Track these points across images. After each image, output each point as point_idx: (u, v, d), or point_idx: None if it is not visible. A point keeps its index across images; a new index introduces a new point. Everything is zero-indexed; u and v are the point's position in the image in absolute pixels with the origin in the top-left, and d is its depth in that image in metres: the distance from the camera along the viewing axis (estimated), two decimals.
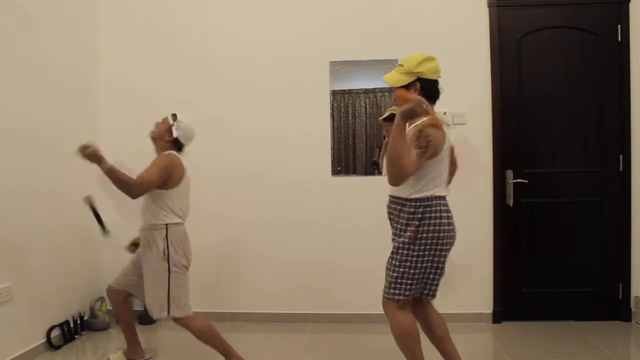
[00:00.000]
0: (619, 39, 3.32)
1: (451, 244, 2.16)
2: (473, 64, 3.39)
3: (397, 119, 1.93)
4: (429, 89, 2.15)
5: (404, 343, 2.17)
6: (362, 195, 3.48)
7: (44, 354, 2.98)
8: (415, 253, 2.09)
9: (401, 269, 2.11)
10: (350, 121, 3.51)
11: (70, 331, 3.19)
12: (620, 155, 3.35)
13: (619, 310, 3.39)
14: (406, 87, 2.14)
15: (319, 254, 3.53)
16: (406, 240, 2.09)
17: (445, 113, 3.38)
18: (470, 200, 3.40)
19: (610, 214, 3.37)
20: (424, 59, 2.14)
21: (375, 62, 3.47)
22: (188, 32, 3.58)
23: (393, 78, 2.18)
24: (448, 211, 2.14)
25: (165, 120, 2.69)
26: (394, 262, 2.15)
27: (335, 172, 3.53)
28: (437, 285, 2.19)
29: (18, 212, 2.84)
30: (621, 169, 3.36)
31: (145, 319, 3.55)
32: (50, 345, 3.03)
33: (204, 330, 2.65)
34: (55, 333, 3.08)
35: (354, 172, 3.52)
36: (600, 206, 3.38)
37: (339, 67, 3.49)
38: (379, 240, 3.47)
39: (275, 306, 3.57)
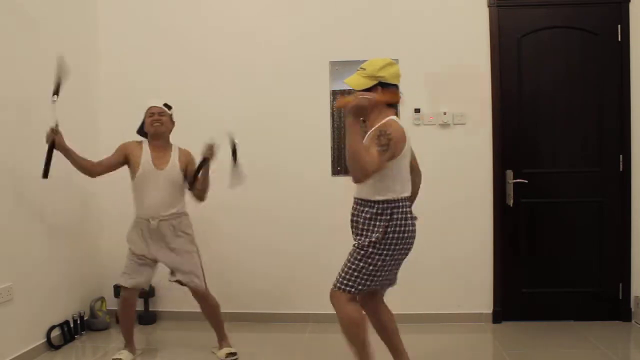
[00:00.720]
0: (619, 39, 3.32)
1: (412, 245, 2.23)
2: (473, 64, 3.39)
3: (347, 117, 2.02)
4: (391, 92, 2.20)
5: (352, 332, 2.21)
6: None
7: (44, 354, 2.98)
8: (379, 252, 2.14)
9: (361, 264, 2.15)
10: None
11: (70, 331, 3.19)
12: (620, 155, 3.35)
13: (619, 310, 3.39)
14: (367, 90, 2.16)
15: (319, 254, 3.52)
16: (373, 239, 2.13)
17: (445, 113, 3.39)
18: (470, 200, 3.40)
19: (610, 214, 3.37)
20: (386, 63, 2.18)
21: None
22: (188, 32, 3.58)
23: (355, 81, 2.21)
24: (411, 212, 2.22)
25: (165, 113, 2.85)
26: (355, 255, 2.18)
27: (335, 172, 3.53)
28: (389, 282, 2.30)
29: (18, 212, 2.84)
30: (621, 169, 3.36)
31: (146, 319, 3.56)
32: (50, 345, 3.03)
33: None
34: (55, 333, 3.08)
35: None
36: (600, 206, 3.38)
37: (339, 67, 3.49)
38: None
39: (275, 306, 3.58)
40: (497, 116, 3.39)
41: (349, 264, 2.19)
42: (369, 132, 2.17)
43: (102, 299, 3.51)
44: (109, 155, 2.80)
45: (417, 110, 3.43)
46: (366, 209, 2.19)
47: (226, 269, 3.52)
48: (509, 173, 3.37)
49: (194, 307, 3.60)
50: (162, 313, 3.64)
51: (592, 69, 3.35)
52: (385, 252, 2.14)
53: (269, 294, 3.58)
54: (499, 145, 3.39)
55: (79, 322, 3.28)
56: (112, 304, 3.59)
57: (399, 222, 2.14)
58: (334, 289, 2.22)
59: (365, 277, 2.15)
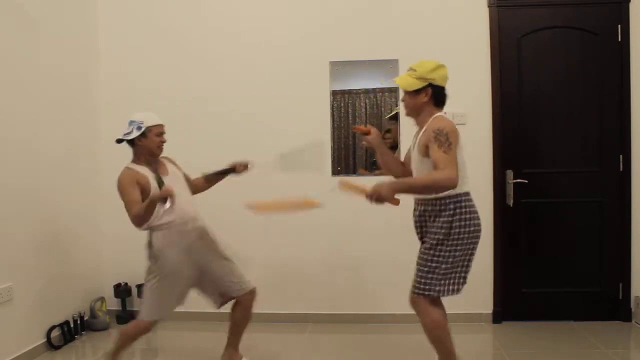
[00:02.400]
0: (619, 39, 3.32)
1: (479, 239, 2.21)
2: (473, 64, 3.39)
3: (384, 195, 2.03)
4: (439, 95, 2.22)
5: (436, 335, 2.22)
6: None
7: (44, 354, 2.98)
8: (448, 249, 2.14)
9: (433, 264, 2.16)
10: (350, 121, 3.51)
11: (70, 331, 3.19)
12: (620, 155, 3.35)
13: (619, 310, 3.39)
14: (417, 91, 2.19)
15: (319, 253, 3.53)
16: (440, 237, 2.14)
17: (445, 113, 3.37)
18: None
19: (610, 214, 3.37)
20: (437, 66, 2.20)
21: (375, 62, 3.47)
22: (188, 32, 3.58)
23: (405, 82, 2.21)
24: (475, 206, 2.21)
25: None
26: (425, 257, 2.19)
27: (335, 172, 3.53)
28: (464, 279, 2.22)
29: (18, 212, 2.84)
30: (621, 169, 3.35)
31: None
32: (50, 345, 3.03)
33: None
34: (55, 333, 3.08)
35: (354, 172, 3.53)
36: (600, 206, 3.38)
37: (339, 67, 3.49)
38: (379, 240, 3.48)
39: (275, 306, 3.57)
40: (497, 116, 3.38)
41: (421, 268, 2.19)
42: (420, 133, 2.21)
43: (102, 299, 3.51)
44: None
45: None
46: (429, 207, 2.20)
47: None
48: (509, 173, 3.37)
49: (194, 307, 3.61)
50: None
51: (592, 69, 3.35)
52: (454, 247, 2.14)
53: (269, 293, 3.57)
54: (499, 145, 3.39)
55: (79, 322, 3.28)
56: (112, 304, 3.60)
57: (463, 217, 2.13)
58: (413, 296, 2.21)
59: (441, 276, 2.15)
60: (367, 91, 3.50)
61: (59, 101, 3.23)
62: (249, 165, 2.72)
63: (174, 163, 2.69)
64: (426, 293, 2.16)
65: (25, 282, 2.86)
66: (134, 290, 3.59)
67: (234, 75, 3.55)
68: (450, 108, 3.36)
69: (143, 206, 2.27)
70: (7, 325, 2.72)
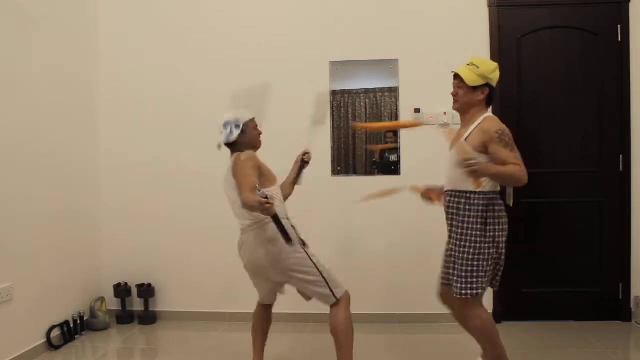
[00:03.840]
0: (619, 39, 3.32)
1: (505, 239, 2.25)
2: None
3: (475, 175, 2.09)
4: (492, 96, 2.28)
5: (487, 335, 2.23)
6: (362, 195, 3.48)
7: (44, 354, 2.98)
8: (486, 245, 2.16)
9: (475, 262, 2.16)
10: (350, 121, 3.51)
11: (70, 331, 3.19)
12: (620, 155, 3.35)
13: (619, 310, 3.39)
14: (474, 88, 2.21)
15: (319, 253, 3.52)
16: (477, 233, 2.16)
17: (445, 113, 3.39)
18: None
19: (610, 214, 3.37)
20: (496, 67, 2.26)
21: (375, 62, 3.47)
22: (188, 32, 3.58)
23: (469, 77, 2.21)
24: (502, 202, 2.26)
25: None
26: (465, 256, 2.18)
27: (335, 172, 3.53)
28: (500, 275, 2.28)
29: (18, 212, 2.84)
30: (621, 169, 3.36)
31: (145, 319, 3.55)
32: (50, 345, 3.03)
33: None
34: (55, 333, 3.08)
35: (354, 172, 3.52)
36: (600, 206, 3.38)
37: (339, 67, 3.49)
38: (379, 240, 3.48)
39: (275, 306, 3.57)
40: (497, 116, 3.36)
41: (462, 268, 2.18)
42: (468, 130, 2.20)
43: (102, 299, 3.51)
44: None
45: (417, 110, 3.43)
46: (468, 200, 2.20)
47: (225, 268, 3.52)
48: None
49: (194, 307, 3.63)
50: (162, 313, 3.64)
51: (592, 69, 3.35)
52: (490, 244, 2.17)
53: None
54: None
55: (79, 322, 3.28)
56: (112, 304, 3.60)
57: (496, 214, 2.18)
58: (460, 298, 2.20)
59: (483, 274, 2.17)
60: (367, 91, 3.50)
61: (58, 102, 3.23)
62: (308, 152, 2.76)
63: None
64: (474, 292, 2.16)
65: (25, 282, 2.86)
66: (134, 290, 3.60)
67: (234, 75, 3.54)
68: (450, 108, 3.39)
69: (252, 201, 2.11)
70: (7, 325, 2.72)
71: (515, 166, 2.09)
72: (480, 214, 2.17)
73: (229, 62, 3.55)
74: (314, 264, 2.44)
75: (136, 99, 3.62)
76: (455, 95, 2.29)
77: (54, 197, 3.14)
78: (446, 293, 2.40)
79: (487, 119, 2.20)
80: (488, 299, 3.45)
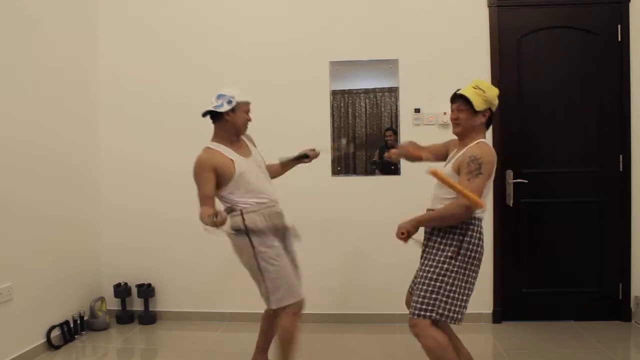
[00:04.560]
0: (619, 39, 3.32)
1: (479, 269, 2.17)
2: (473, 64, 3.39)
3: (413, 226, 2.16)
4: (491, 120, 2.24)
5: (441, 356, 2.11)
6: (362, 195, 3.49)
7: (44, 354, 2.98)
8: (455, 269, 2.08)
9: (438, 283, 2.08)
10: (350, 121, 3.51)
11: (70, 331, 3.19)
12: (620, 155, 3.35)
13: (619, 310, 3.39)
14: (476, 112, 2.15)
15: (318, 253, 3.52)
16: (448, 254, 2.09)
17: (445, 113, 3.39)
18: None
19: (610, 214, 3.37)
20: (497, 92, 2.21)
21: (375, 62, 3.47)
22: (188, 32, 3.58)
23: (477, 101, 2.13)
24: (482, 232, 2.18)
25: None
26: (430, 275, 2.10)
27: (335, 172, 3.53)
28: (464, 308, 2.12)
29: (18, 213, 2.84)
30: (621, 169, 3.35)
31: (146, 319, 3.56)
32: (50, 345, 3.03)
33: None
34: (55, 333, 3.08)
35: (354, 172, 3.52)
36: (600, 206, 3.38)
37: (339, 67, 3.49)
38: (379, 240, 3.48)
39: None
40: (497, 116, 3.37)
41: (424, 287, 2.09)
42: (459, 152, 2.17)
43: (102, 299, 3.51)
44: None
45: (417, 110, 3.43)
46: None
47: (225, 269, 3.52)
48: (509, 173, 3.37)
49: (194, 307, 3.63)
50: (162, 313, 3.64)
51: (592, 69, 3.35)
52: (461, 269, 2.08)
53: None
54: (499, 145, 3.39)
55: (79, 322, 3.28)
56: (112, 304, 3.60)
57: (473, 241, 2.10)
58: (414, 318, 2.11)
59: (445, 297, 2.06)
60: (367, 91, 3.50)
61: (58, 102, 3.23)
62: (319, 152, 2.71)
63: (252, 142, 2.61)
64: (427, 314, 2.07)
65: (25, 282, 2.86)
66: (134, 290, 3.60)
67: (234, 75, 3.54)
68: (449, 108, 3.39)
69: (203, 217, 2.18)
70: (7, 325, 2.72)
71: (455, 202, 2.04)
72: (456, 236, 2.10)
73: (229, 62, 3.55)
74: (258, 267, 2.34)
75: (136, 99, 3.62)
76: (456, 119, 2.20)
77: (54, 198, 3.14)
78: (409, 301, 2.33)
79: (477, 145, 2.12)
80: (488, 299, 3.46)
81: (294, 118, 3.52)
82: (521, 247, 3.44)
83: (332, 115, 3.51)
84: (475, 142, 2.14)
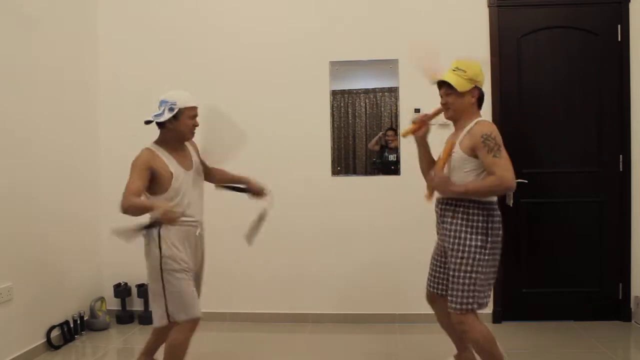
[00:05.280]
0: (619, 39, 3.32)
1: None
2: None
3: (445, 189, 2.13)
4: (482, 97, 2.23)
5: (487, 349, 2.15)
6: (362, 195, 3.49)
7: (44, 354, 2.98)
8: (486, 257, 2.12)
9: (474, 275, 2.11)
10: (350, 121, 3.51)
11: (70, 331, 3.19)
12: (620, 155, 3.35)
13: (619, 310, 3.39)
14: (463, 93, 2.16)
15: (319, 253, 3.53)
16: (478, 244, 2.11)
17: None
18: None
19: (610, 214, 3.37)
20: (481, 67, 2.19)
21: (375, 62, 3.47)
22: (188, 32, 3.57)
23: (458, 83, 2.14)
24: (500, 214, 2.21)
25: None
26: (465, 268, 2.11)
27: (335, 172, 3.53)
28: (491, 290, 2.22)
29: (18, 213, 2.84)
30: (621, 169, 3.35)
31: (145, 319, 3.55)
32: (50, 345, 3.03)
33: None
34: (55, 333, 3.08)
35: (354, 172, 3.52)
36: (600, 206, 3.38)
37: (339, 67, 3.49)
38: (379, 240, 3.48)
39: (275, 306, 3.57)
40: (497, 116, 3.38)
41: (463, 280, 2.11)
42: (460, 136, 2.16)
43: (102, 299, 3.51)
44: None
45: (417, 110, 3.42)
46: (469, 210, 2.14)
47: (226, 269, 3.52)
48: None
49: None
50: None
51: (592, 69, 3.35)
52: (490, 257, 2.13)
53: (269, 293, 3.58)
54: None
55: (79, 322, 3.28)
56: (112, 304, 3.60)
57: (495, 226, 2.14)
58: (459, 312, 2.12)
59: (482, 287, 2.11)
60: (367, 91, 3.50)
61: (58, 102, 3.23)
62: (265, 192, 2.57)
63: (197, 150, 2.48)
64: (470, 307, 2.10)
65: (25, 282, 2.86)
66: (134, 290, 3.60)
67: (234, 75, 3.55)
68: None
69: (138, 203, 2.06)
70: (7, 325, 2.72)
71: (492, 178, 2.04)
72: (480, 224, 2.12)
73: (229, 62, 3.55)
74: (161, 277, 2.24)
75: (136, 99, 3.62)
76: (445, 104, 2.21)
77: (54, 197, 3.14)
78: (436, 299, 2.37)
79: (478, 123, 2.14)
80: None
81: (294, 118, 3.52)
82: (521, 247, 3.44)
83: (332, 115, 3.51)
84: (474, 122, 2.15)
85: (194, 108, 2.32)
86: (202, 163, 2.47)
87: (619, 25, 3.31)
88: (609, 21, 3.32)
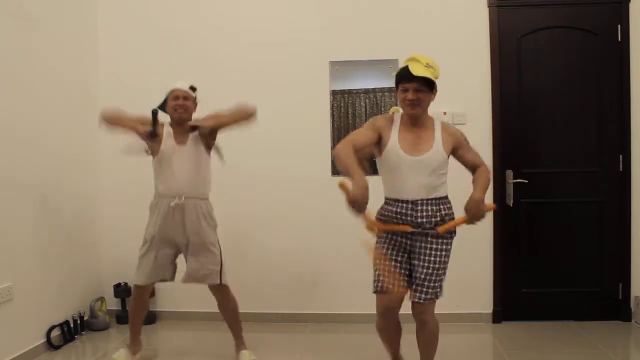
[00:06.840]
0: (619, 39, 3.32)
1: None
2: (473, 64, 3.39)
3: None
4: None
5: (438, 337, 2.28)
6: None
7: (44, 354, 2.98)
8: (450, 248, 2.21)
9: (446, 265, 2.20)
10: (350, 121, 3.51)
11: (70, 331, 3.19)
12: (620, 155, 3.35)
13: (619, 310, 3.39)
14: (432, 90, 2.18)
15: (319, 253, 3.53)
16: (448, 236, 2.20)
17: (445, 113, 3.39)
18: None
19: (610, 214, 3.37)
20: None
21: (375, 62, 3.47)
22: (188, 32, 3.58)
23: (432, 78, 2.14)
24: None
25: (190, 96, 2.74)
26: (440, 259, 2.18)
27: (335, 172, 3.53)
28: None
29: (18, 213, 2.84)
30: (621, 169, 3.36)
31: (145, 319, 3.55)
32: (50, 345, 3.03)
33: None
34: (55, 333, 3.08)
35: None
36: (600, 206, 3.38)
37: (339, 67, 3.49)
38: None
39: (275, 306, 3.57)
40: (497, 116, 3.39)
41: (438, 271, 2.16)
42: (436, 137, 2.18)
43: (102, 299, 3.51)
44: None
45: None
46: (440, 206, 2.22)
47: (225, 269, 3.51)
48: (509, 173, 3.37)
49: (194, 307, 3.63)
50: (162, 313, 3.64)
51: (592, 69, 3.35)
52: (451, 247, 2.23)
53: (269, 293, 3.58)
54: (499, 145, 3.39)
55: (79, 322, 3.28)
56: (112, 304, 3.60)
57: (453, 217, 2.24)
58: (429, 301, 2.15)
59: (444, 277, 2.20)
60: (367, 91, 3.50)
61: (58, 102, 3.23)
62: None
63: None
64: (436, 297, 2.17)
65: (25, 282, 2.86)
66: None
67: (234, 75, 3.54)
68: (450, 108, 3.40)
69: (122, 116, 2.66)
70: (7, 325, 2.72)
71: (484, 168, 2.20)
72: (447, 218, 2.21)
73: (229, 62, 3.55)
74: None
75: (136, 99, 3.61)
76: (415, 99, 2.11)
77: (54, 197, 3.14)
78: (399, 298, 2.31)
79: (445, 123, 2.26)
80: (488, 299, 3.46)
81: (294, 118, 3.52)
82: (521, 247, 3.44)
83: (332, 115, 3.51)
84: (439, 121, 2.25)
85: (174, 90, 2.68)
86: (202, 134, 2.67)
87: (619, 25, 3.32)
88: (609, 21, 3.32)
